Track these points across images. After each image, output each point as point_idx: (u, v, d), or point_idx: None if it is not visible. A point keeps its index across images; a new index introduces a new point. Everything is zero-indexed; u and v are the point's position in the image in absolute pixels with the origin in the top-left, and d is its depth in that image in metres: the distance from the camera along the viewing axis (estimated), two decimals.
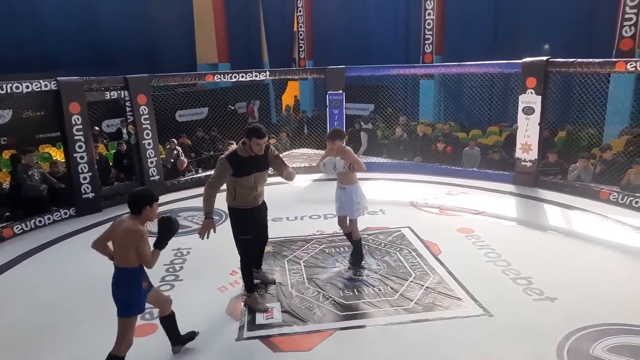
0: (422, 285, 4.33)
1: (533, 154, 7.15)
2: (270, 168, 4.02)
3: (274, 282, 4.50)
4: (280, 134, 10.88)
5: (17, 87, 5.92)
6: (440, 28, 11.99)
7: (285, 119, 14.10)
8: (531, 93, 6.96)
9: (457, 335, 3.58)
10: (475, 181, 7.59)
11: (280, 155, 4.22)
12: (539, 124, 6.99)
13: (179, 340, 3.50)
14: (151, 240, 3.05)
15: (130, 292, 2.99)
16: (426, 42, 11.98)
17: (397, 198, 6.98)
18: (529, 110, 7.03)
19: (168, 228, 3.07)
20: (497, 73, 8.99)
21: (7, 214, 7.12)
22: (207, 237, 3.79)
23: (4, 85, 5.79)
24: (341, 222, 4.77)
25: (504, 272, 4.54)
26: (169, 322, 3.42)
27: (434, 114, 11.87)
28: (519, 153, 7.31)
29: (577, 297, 4.03)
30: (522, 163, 7.28)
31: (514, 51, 8.94)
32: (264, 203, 4.17)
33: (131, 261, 2.95)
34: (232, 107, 12.85)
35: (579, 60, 6.51)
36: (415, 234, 5.55)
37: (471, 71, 8.29)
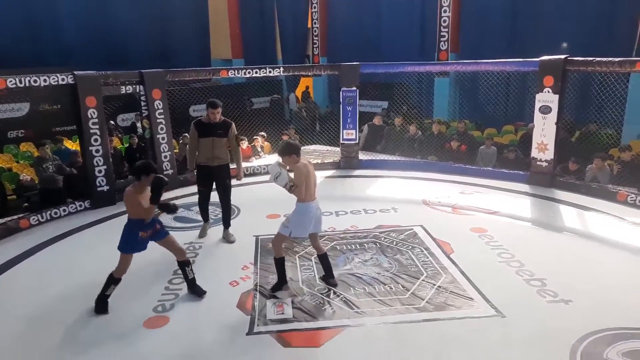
0: (434, 285, 4.30)
1: (549, 154, 7.04)
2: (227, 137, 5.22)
3: (232, 242, 5.39)
4: (289, 130, 10.85)
5: (35, 81, 5.99)
6: (456, 25, 11.85)
7: (296, 115, 14.09)
8: (548, 92, 6.85)
9: (468, 336, 3.55)
10: (490, 180, 7.50)
11: None
12: (556, 123, 6.89)
13: (193, 288, 4.24)
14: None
15: (127, 235, 3.90)
16: (442, 39, 11.85)
17: (409, 196, 6.94)
18: (545, 109, 6.92)
19: (157, 185, 3.79)
20: (513, 71, 8.86)
21: (26, 204, 7.25)
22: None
23: (22, 79, 5.87)
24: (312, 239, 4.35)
25: (518, 272, 4.48)
26: (182, 266, 4.20)
27: (448, 112, 11.75)
28: (534, 152, 7.20)
29: (592, 300, 3.96)
30: (538, 163, 7.17)
31: (531, 49, 8.79)
32: (223, 167, 5.28)
33: (131, 214, 3.87)
34: (251, 103, 12.92)
35: (598, 59, 6.38)
36: (428, 233, 5.51)
37: (487, 69, 8.17)
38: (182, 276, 4.28)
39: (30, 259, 5.19)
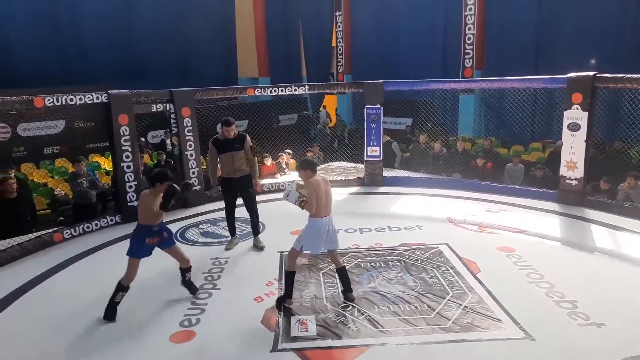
0: (460, 305, 4.24)
1: (579, 172, 6.89)
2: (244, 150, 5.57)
3: (262, 248, 5.68)
4: (314, 147, 10.94)
5: (71, 99, 6.26)
6: (481, 42, 11.84)
7: (320, 132, 14.21)
8: (577, 109, 6.74)
9: (496, 359, 3.48)
10: (517, 198, 7.38)
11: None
12: (586, 140, 6.75)
13: (190, 287, 4.58)
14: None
15: (134, 239, 4.14)
16: (466, 56, 11.85)
17: (434, 214, 6.88)
18: (574, 127, 6.81)
19: (169, 193, 4.03)
20: (540, 88, 8.76)
21: (61, 218, 7.51)
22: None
23: (59, 98, 6.14)
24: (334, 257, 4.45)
25: (547, 294, 4.37)
26: (183, 272, 4.53)
27: (473, 129, 11.67)
28: (563, 170, 7.06)
29: (626, 323, 3.83)
30: (567, 181, 7.03)
31: (558, 64, 8.70)
32: (244, 177, 5.61)
33: (141, 218, 4.12)
34: (278, 120, 13.16)
35: (629, 75, 6.25)
36: (453, 251, 5.44)
37: (513, 86, 8.09)
38: (207, 296, 4.48)
39: (62, 271, 5.35)
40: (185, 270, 4.52)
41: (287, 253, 4.53)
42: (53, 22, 11.99)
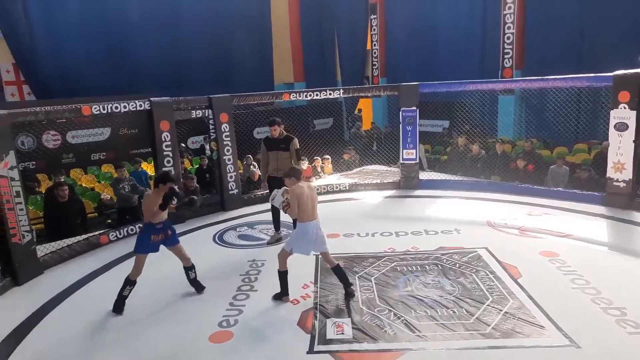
0: (501, 310, 4.13)
1: (627, 174, 6.58)
2: (289, 151, 5.88)
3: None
4: (349, 150, 10.94)
5: (116, 107, 6.54)
6: (521, 41, 11.51)
7: (354, 135, 14.20)
8: (624, 108, 6.45)
9: None
10: (560, 202, 7.11)
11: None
12: (634, 141, 6.44)
13: (196, 285, 4.78)
14: None
15: (140, 237, 4.43)
16: (505, 56, 11.55)
17: (473, 217, 6.73)
18: (621, 127, 6.51)
19: (168, 195, 4.31)
20: (584, 87, 8.42)
21: (109, 221, 7.86)
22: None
23: (105, 106, 6.43)
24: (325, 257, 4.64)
25: (594, 300, 4.19)
26: (187, 270, 4.74)
27: (514, 130, 11.34)
28: (610, 172, 6.76)
29: None
30: (615, 183, 6.72)
31: (603, 63, 8.33)
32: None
33: (145, 216, 4.38)
34: (313, 125, 13.31)
35: None
36: (493, 256, 5.31)
37: (556, 85, 7.83)
38: (245, 297, 4.61)
39: (108, 272, 5.58)
40: (188, 268, 4.73)
41: (321, 255, 4.62)
42: (104, 36, 12.55)
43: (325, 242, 4.53)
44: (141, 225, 4.50)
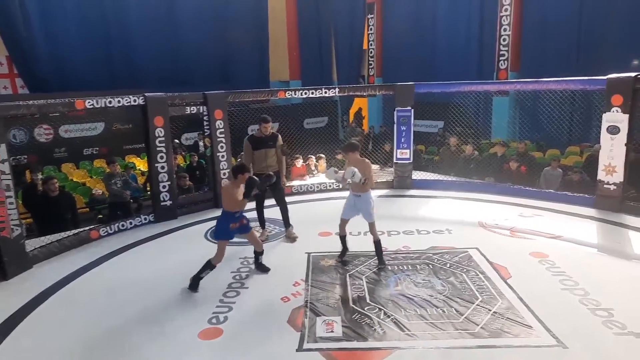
0: (490, 310, 4.15)
1: (618, 177, 6.63)
2: (275, 147, 5.95)
3: (296, 238, 6.03)
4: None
5: (110, 102, 6.49)
6: (517, 43, 11.58)
7: (349, 134, 14.20)
8: (617, 111, 6.49)
9: None
10: (552, 203, 7.15)
11: None
12: (626, 144, 6.49)
13: (261, 268, 5.15)
14: None
15: (220, 224, 4.72)
16: (501, 57, 11.61)
17: (464, 218, 6.76)
18: (613, 130, 6.55)
19: (250, 184, 4.60)
20: (578, 90, 8.48)
21: (100, 216, 7.81)
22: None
23: (99, 100, 6.38)
24: (344, 224, 5.26)
25: (581, 301, 4.22)
26: (257, 255, 5.15)
27: (507, 132, 11.40)
28: (601, 175, 6.81)
29: None
30: (605, 186, 6.77)
31: (597, 66, 8.40)
32: (275, 173, 5.77)
33: (226, 206, 4.67)
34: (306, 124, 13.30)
35: None
36: (484, 256, 5.33)
37: (550, 88, 7.88)
38: (235, 294, 4.64)
39: (97, 267, 5.54)
40: (259, 253, 5.11)
41: (316, 255, 4.77)
42: (101, 30, 12.50)
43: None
44: (219, 215, 4.78)
